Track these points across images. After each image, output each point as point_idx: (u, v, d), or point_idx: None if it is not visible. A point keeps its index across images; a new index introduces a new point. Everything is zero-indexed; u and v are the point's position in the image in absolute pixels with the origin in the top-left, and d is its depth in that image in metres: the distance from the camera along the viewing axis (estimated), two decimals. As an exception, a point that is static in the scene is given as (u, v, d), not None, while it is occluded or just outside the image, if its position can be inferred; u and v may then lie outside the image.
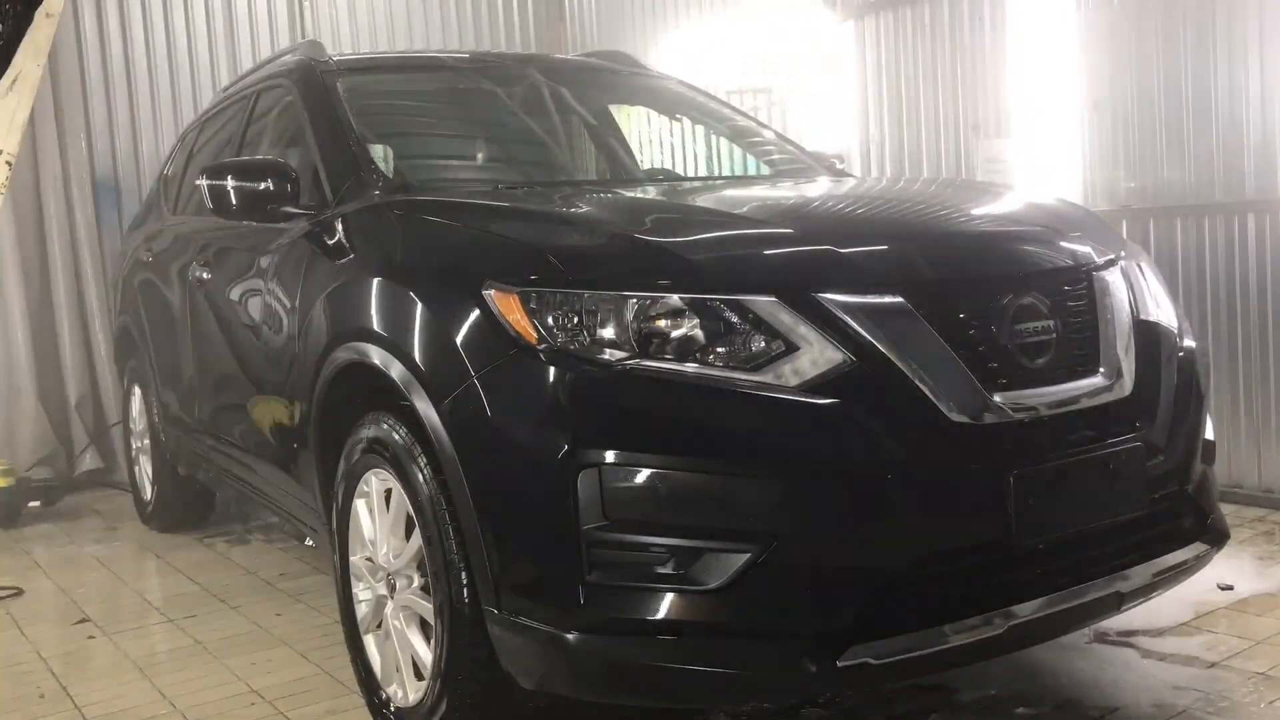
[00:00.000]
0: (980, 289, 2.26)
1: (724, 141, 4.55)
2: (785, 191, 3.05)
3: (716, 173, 5.31)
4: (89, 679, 3.25)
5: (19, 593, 4.11)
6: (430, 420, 2.29)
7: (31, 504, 5.32)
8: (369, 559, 2.68)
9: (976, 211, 2.71)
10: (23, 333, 5.85)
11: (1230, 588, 3.35)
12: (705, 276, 2.14)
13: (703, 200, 2.95)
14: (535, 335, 2.13)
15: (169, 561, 4.52)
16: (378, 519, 2.63)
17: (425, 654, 2.47)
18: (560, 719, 2.45)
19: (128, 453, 5.40)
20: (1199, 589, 3.26)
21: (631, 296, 2.11)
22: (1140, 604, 2.45)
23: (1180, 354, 2.57)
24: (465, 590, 2.26)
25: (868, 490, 2.04)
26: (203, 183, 3.08)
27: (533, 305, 2.15)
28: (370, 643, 2.73)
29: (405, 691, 2.55)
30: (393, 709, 2.61)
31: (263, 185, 3.04)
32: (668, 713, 2.69)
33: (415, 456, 2.38)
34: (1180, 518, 2.50)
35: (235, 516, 5.06)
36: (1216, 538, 2.57)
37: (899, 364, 2.09)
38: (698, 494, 2.01)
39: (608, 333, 2.10)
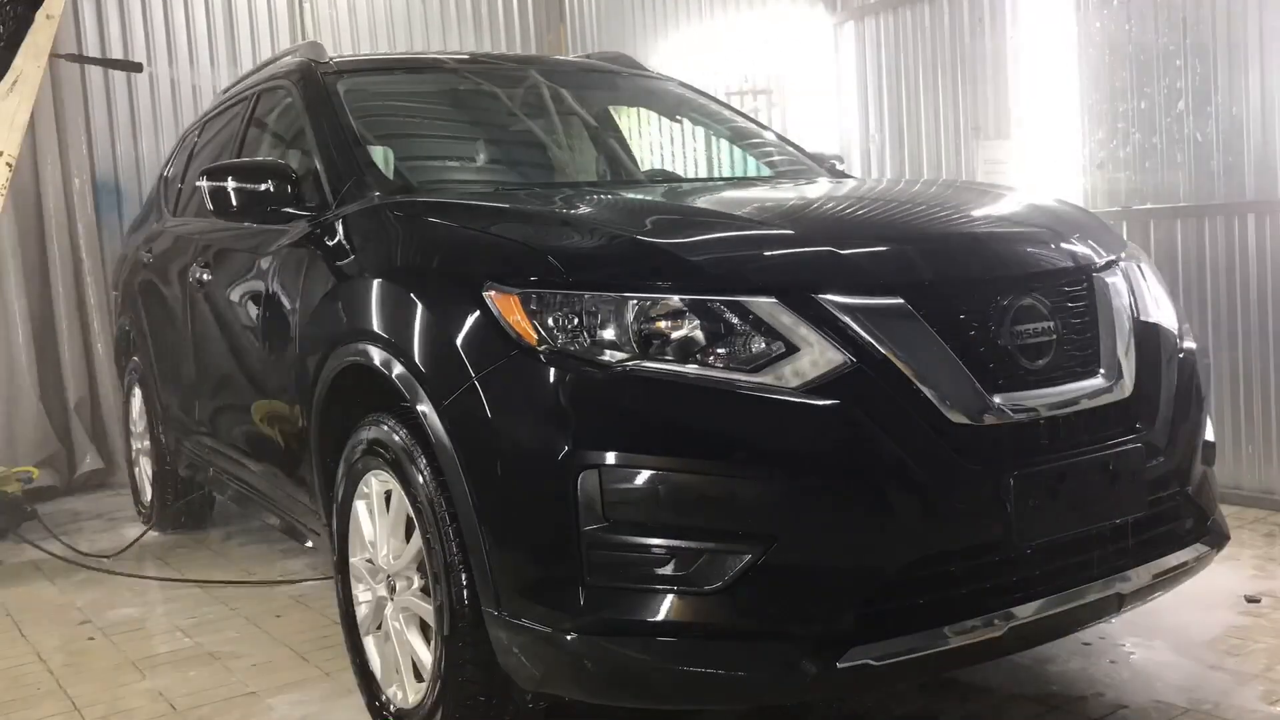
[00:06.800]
0: (980, 290, 2.26)
1: (724, 143, 4.55)
2: (785, 193, 3.05)
3: (717, 174, 5.31)
4: (89, 680, 3.24)
5: None
6: (430, 421, 2.29)
7: (32, 507, 5.33)
8: (369, 560, 2.68)
9: (977, 213, 2.71)
10: (24, 334, 5.86)
11: (1257, 600, 3.30)
12: (705, 278, 2.14)
13: (703, 202, 2.95)
14: (535, 336, 2.13)
15: (169, 562, 4.51)
16: (378, 520, 2.63)
17: (425, 655, 2.47)
18: (560, 720, 2.46)
19: (128, 454, 5.40)
20: (1197, 590, 3.25)
21: (632, 298, 2.11)
22: (1140, 605, 2.45)
23: (1180, 355, 2.57)
24: (465, 591, 2.26)
25: (868, 491, 2.04)
26: (203, 184, 3.08)
27: (533, 306, 2.15)
28: (370, 644, 2.73)
29: (405, 693, 2.55)
30: (393, 710, 2.61)
31: (263, 186, 3.04)
32: (668, 714, 2.68)
33: (415, 458, 2.38)
34: (1180, 519, 2.50)
35: (235, 518, 5.06)
36: (1217, 539, 2.57)
37: (899, 365, 2.09)
38: (698, 495, 2.01)
39: (608, 334, 2.10)
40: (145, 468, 5.08)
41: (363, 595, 2.73)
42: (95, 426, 6.13)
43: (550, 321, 2.13)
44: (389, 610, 2.60)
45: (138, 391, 5.07)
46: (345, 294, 2.73)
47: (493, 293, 2.20)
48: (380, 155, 3.21)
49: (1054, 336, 2.30)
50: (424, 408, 2.31)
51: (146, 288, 4.71)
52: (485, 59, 4.34)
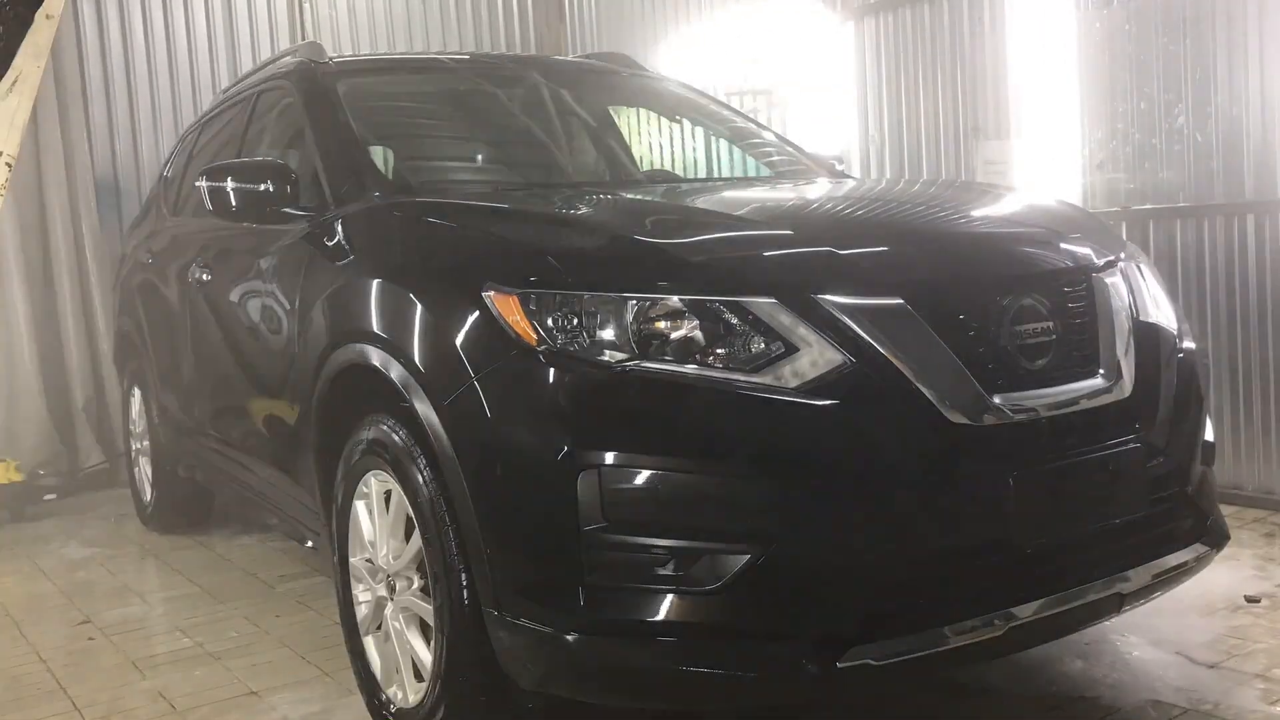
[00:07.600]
0: (980, 290, 2.26)
1: (724, 143, 4.55)
2: (785, 193, 3.06)
3: (716, 174, 5.31)
4: (89, 680, 3.24)
5: None
6: (430, 422, 2.29)
7: (48, 497, 5.38)
8: (369, 560, 2.68)
9: (976, 213, 2.71)
10: (28, 334, 5.86)
11: (1257, 600, 3.30)
12: (705, 278, 2.14)
13: (702, 202, 2.96)
14: (535, 337, 2.13)
15: (169, 563, 4.51)
16: (377, 520, 2.63)
17: (425, 655, 2.47)
18: (560, 720, 2.46)
19: (128, 454, 5.40)
20: (1197, 590, 3.26)
21: (631, 298, 2.11)
22: (1140, 605, 2.45)
23: (1180, 355, 2.57)
24: (465, 591, 2.26)
25: (867, 492, 2.04)
26: (202, 184, 3.08)
27: (532, 307, 2.15)
28: (370, 644, 2.73)
29: (405, 692, 2.55)
30: (393, 710, 2.61)
31: (262, 186, 3.04)
32: (667, 714, 2.68)
33: (415, 458, 2.38)
34: (1180, 519, 2.50)
35: (235, 518, 5.06)
36: (1216, 539, 2.57)
37: (898, 365, 2.09)
38: (697, 495, 2.01)
39: (607, 334, 2.10)
40: (145, 468, 5.08)
41: (363, 595, 2.73)
42: (101, 426, 6.13)
43: (550, 322, 2.13)
44: (389, 610, 2.60)
45: (137, 392, 5.07)
46: (344, 294, 2.73)
47: (492, 293, 2.20)
48: (380, 155, 3.21)
49: (1053, 337, 2.30)
50: (423, 408, 2.31)
51: (146, 288, 4.71)
52: (485, 59, 4.34)
